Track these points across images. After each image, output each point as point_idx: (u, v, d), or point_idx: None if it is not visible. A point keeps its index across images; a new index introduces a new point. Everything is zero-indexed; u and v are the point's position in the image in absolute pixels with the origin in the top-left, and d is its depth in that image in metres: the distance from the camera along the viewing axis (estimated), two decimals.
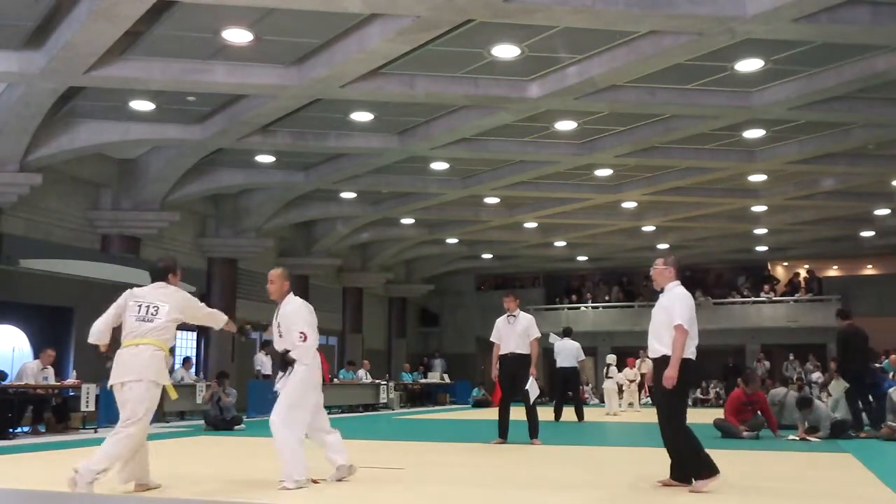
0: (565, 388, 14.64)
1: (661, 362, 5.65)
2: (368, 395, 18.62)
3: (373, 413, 17.82)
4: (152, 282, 5.79)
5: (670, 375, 5.53)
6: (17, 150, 12.14)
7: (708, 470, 5.54)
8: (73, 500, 5.40)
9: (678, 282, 5.92)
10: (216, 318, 5.98)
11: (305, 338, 5.73)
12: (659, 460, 8.09)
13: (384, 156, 14.19)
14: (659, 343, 5.72)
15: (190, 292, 6.06)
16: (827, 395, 12.95)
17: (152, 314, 5.50)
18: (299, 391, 5.69)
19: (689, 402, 19.70)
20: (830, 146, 13.77)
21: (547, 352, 14.89)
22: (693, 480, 5.59)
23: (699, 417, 16.00)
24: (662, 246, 23.23)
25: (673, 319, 5.61)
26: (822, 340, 24.49)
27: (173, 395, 5.84)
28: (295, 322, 5.78)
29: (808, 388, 18.72)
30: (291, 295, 6.02)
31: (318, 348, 5.91)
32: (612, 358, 17.54)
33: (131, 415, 5.32)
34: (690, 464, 5.63)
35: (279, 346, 5.87)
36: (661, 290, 5.95)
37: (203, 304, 5.99)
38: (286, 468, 5.53)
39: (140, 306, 5.53)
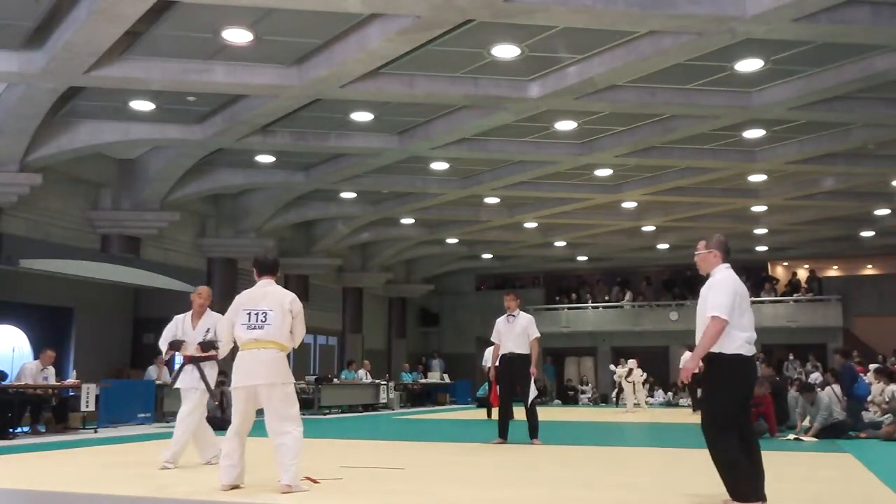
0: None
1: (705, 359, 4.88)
2: (368, 395, 18.63)
3: (373, 413, 17.82)
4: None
5: (688, 367, 4.93)
6: (17, 150, 12.14)
7: (745, 493, 4.68)
8: (73, 500, 5.41)
9: (725, 265, 5.14)
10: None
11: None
12: (655, 460, 8.09)
13: (384, 156, 14.18)
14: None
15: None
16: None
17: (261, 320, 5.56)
18: None
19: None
20: (830, 146, 13.76)
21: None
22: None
23: (699, 417, 16.11)
24: (662, 246, 23.24)
25: (707, 310, 4.88)
26: (822, 340, 24.50)
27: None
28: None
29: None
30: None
31: None
32: (632, 362, 18.91)
33: None
34: (725, 478, 4.78)
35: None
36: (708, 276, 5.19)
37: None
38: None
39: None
